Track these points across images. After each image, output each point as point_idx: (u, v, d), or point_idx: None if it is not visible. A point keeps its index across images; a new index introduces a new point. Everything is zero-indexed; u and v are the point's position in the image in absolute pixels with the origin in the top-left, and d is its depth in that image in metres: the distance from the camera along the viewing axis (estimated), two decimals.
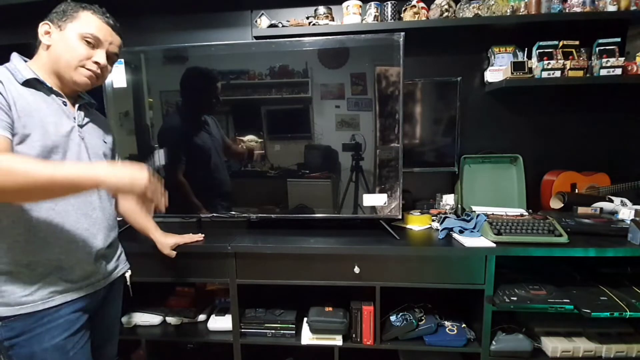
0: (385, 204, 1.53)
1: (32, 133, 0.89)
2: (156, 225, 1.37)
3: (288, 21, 1.75)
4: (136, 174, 0.85)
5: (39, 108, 0.92)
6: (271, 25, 1.73)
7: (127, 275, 1.21)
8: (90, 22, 0.97)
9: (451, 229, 1.49)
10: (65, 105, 0.99)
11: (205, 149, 1.58)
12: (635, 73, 1.61)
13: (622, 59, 1.60)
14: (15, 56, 0.97)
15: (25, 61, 0.97)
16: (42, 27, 0.96)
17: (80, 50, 0.95)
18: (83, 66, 0.96)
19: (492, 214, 1.50)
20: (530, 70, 1.64)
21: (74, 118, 1.00)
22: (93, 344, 1.07)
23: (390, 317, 1.48)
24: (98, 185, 0.83)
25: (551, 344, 1.37)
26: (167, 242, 1.37)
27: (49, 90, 0.96)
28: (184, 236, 1.43)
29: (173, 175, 1.60)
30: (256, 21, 1.76)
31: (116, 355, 1.23)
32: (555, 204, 1.70)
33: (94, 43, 0.97)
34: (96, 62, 0.97)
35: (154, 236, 1.36)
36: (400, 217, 1.55)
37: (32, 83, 0.93)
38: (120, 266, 1.17)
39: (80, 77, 0.97)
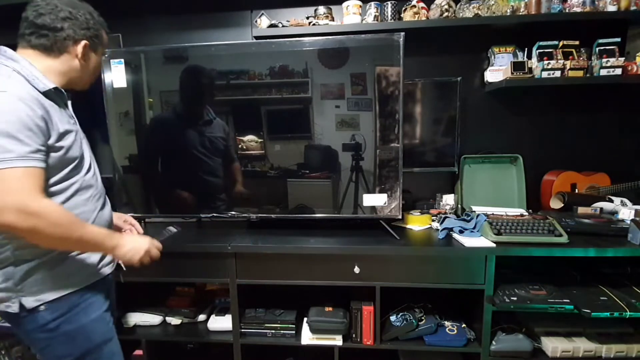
0: (385, 204, 1.52)
1: (61, 151, 0.91)
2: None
3: (288, 21, 1.75)
4: (140, 246, 1.03)
5: (60, 120, 0.92)
6: (271, 25, 1.73)
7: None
8: (106, 42, 1.05)
9: (451, 229, 1.49)
10: (68, 108, 1.01)
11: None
12: (635, 73, 1.61)
13: (622, 59, 1.60)
14: (22, 58, 0.89)
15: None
16: (84, 48, 0.97)
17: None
18: None
19: (492, 214, 1.50)
20: (530, 70, 1.64)
21: (75, 120, 1.03)
22: None
23: (390, 317, 1.48)
24: (114, 253, 0.99)
25: (551, 344, 1.37)
26: None
27: (66, 98, 0.98)
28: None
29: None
30: (256, 21, 1.76)
31: None
32: (555, 204, 1.70)
33: None
34: None
35: None
36: (400, 217, 1.55)
37: (50, 93, 0.90)
38: None
39: (87, 87, 1.06)
